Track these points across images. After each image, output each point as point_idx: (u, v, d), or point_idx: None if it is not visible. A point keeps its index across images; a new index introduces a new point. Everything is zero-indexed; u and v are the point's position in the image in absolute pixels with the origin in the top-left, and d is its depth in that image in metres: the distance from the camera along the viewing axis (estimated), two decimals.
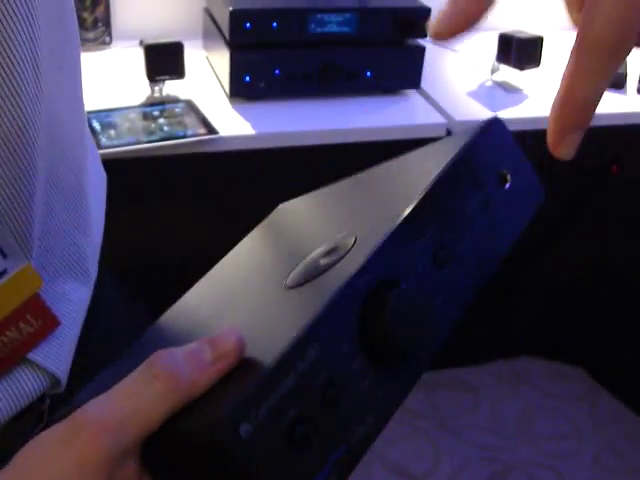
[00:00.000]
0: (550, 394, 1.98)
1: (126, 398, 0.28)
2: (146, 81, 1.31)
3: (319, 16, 1.30)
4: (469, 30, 0.36)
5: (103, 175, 0.63)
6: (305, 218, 0.49)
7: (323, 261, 0.34)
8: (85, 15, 1.48)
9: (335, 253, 0.33)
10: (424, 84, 1.42)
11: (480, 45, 1.60)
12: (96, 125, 1.21)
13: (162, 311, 0.44)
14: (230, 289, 0.42)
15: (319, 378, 0.27)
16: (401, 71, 1.38)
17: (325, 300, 0.28)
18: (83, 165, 0.54)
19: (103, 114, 1.24)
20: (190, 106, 1.30)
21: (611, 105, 1.46)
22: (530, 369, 2.04)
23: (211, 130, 1.22)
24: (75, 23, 0.51)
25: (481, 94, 1.47)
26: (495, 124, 0.37)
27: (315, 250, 0.36)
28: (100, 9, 1.49)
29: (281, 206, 0.53)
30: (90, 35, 1.50)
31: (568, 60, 0.34)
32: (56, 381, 0.48)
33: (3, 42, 0.39)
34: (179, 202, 1.53)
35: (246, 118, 1.28)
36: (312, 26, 1.30)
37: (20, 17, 0.40)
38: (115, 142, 1.17)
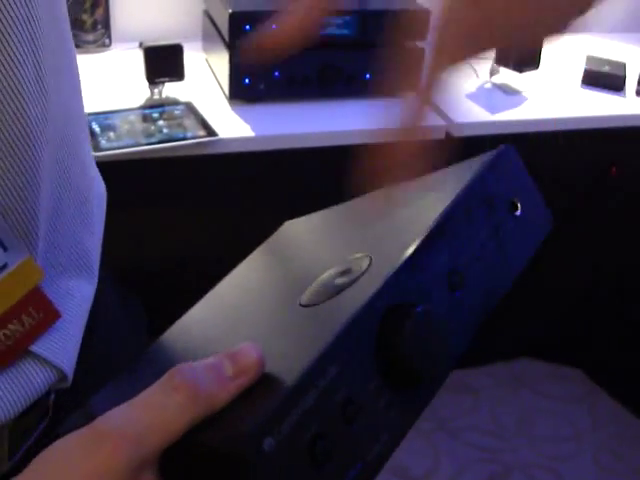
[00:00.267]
0: (549, 396, 1.99)
1: (147, 409, 0.28)
2: (145, 83, 1.31)
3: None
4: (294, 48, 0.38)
5: (100, 177, 0.64)
6: (314, 236, 0.49)
7: (338, 281, 0.34)
8: (84, 17, 1.48)
9: (350, 274, 0.34)
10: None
11: None
12: (95, 127, 1.21)
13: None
14: (241, 304, 0.42)
15: (338, 396, 0.28)
16: (400, 74, 1.38)
17: (344, 321, 0.29)
18: (90, 164, 0.55)
19: (102, 116, 1.24)
20: (189, 108, 1.30)
21: (610, 107, 1.46)
22: (529, 371, 2.04)
23: (210, 132, 1.22)
24: (68, 24, 0.51)
25: (480, 96, 1.47)
26: (508, 152, 0.38)
27: (328, 269, 0.36)
28: (99, 11, 1.49)
29: (287, 223, 0.53)
30: (90, 37, 1.50)
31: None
32: (63, 376, 0.48)
33: (3, 40, 0.39)
34: (178, 204, 1.53)
35: (245, 120, 1.29)
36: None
37: (21, 17, 0.40)
38: (114, 144, 1.17)
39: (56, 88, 0.46)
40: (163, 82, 1.31)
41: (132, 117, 1.26)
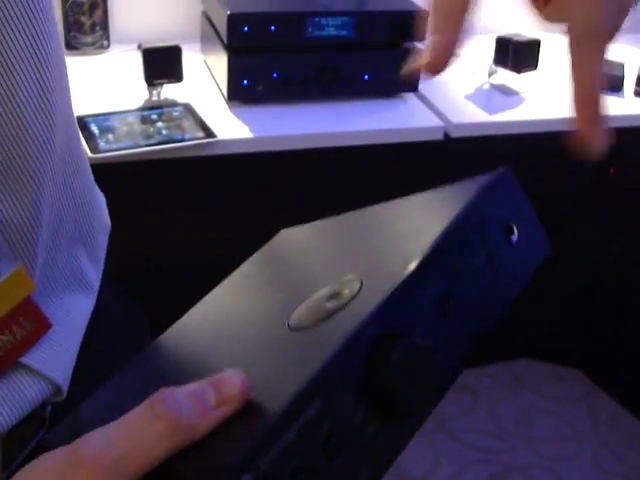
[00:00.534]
0: (549, 396, 1.99)
1: (126, 436, 0.28)
2: (144, 85, 1.31)
3: (317, 20, 1.30)
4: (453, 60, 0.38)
5: (98, 189, 0.64)
6: (308, 251, 0.48)
7: (328, 305, 0.33)
8: (83, 19, 1.48)
9: (340, 297, 0.33)
10: (422, 87, 1.43)
11: (477, 48, 1.61)
12: (94, 129, 1.21)
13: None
14: (231, 318, 0.42)
15: (321, 429, 0.27)
16: (398, 74, 1.39)
17: (331, 351, 0.28)
18: (89, 176, 0.55)
19: (101, 118, 1.24)
20: (188, 110, 1.30)
21: (609, 108, 1.46)
22: (529, 371, 2.05)
23: (209, 134, 1.22)
24: (57, 27, 0.51)
25: (479, 97, 1.47)
26: (505, 176, 0.37)
27: (319, 290, 0.36)
28: (98, 13, 1.49)
29: (283, 232, 0.53)
30: (88, 39, 1.50)
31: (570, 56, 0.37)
32: (57, 389, 0.48)
33: (2, 51, 0.39)
34: (177, 205, 1.53)
35: (244, 121, 1.29)
36: (310, 30, 1.30)
37: (22, 30, 0.40)
38: (113, 146, 1.17)
39: (61, 104, 0.46)
40: (162, 84, 1.31)
41: (131, 119, 1.26)
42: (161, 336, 0.43)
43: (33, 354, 0.46)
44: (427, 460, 1.78)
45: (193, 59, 1.48)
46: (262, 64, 1.30)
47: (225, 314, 0.42)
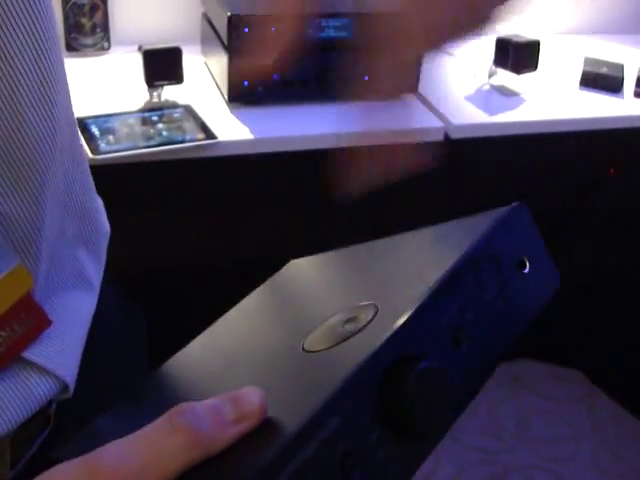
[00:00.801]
0: (548, 397, 1.99)
1: (144, 448, 0.28)
2: (145, 86, 1.31)
3: (317, 21, 1.30)
4: None
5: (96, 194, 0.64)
6: (321, 278, 0.49)
7: (343, 329, 0.34)
8: (84, 21, 1.49)
9: (356, 322, 0.34)
10: (422, 88, 1.43)
11: (477, 49, 1.61)
12: (95, 130, 1.21)
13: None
14: (245, 341, 0.42)
15: (337, 448, 0.28)
16: (399, 75, 1.39)
17: (348, 372, 0.29)
18: (88, 177, 0.55)
19: (102, 119, 1.25)
20: (189, 111, 1.30)
21: (608, 109, 1.47)
22: (528, 372, 2.05)
23: (210, 135, 1.22)
24: (56, 24, 0.51)
25: (478, 98, 1.47)
26: (520, 210, 0.38)
27: (333, 315, 0.36)
28: (98, 15, 1.50)
29: (292, 262, 0.53)
30: (89, 41, 1.50)
31: None
32: (65, 386, 0.48)
33: (3, 47, 0.40)
34: (177, 206, 1.54)
35: (244, 123, 1.29)
36: (310, 31, 1.30)
37: (24, 28, 0.40)
38: (114, 147, 1.17)
39: (61, 101, 0.46)
40: (162, 85, 1.31)
41: (131, 120, 1.26)
42: (173, 357, 0.43)
43: (40, 352, 0.47)
44: (427, 461, 1.78)
45: (193, 61, 1.48)
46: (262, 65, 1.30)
47: (237, 338, 0.43)
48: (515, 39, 1.45)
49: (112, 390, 0.55)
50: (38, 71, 0.42)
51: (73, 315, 0.51)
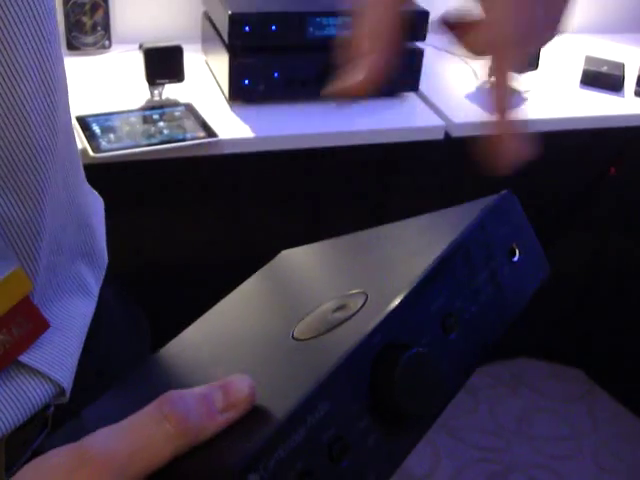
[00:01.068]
0: (549, 395, 1.99)
1: (134, 435, 0.28)
2: (146, 85, 1.31)
3: (318, 19, 1.30)
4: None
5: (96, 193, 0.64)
6: (311, 268, 0.49)
7: (333, 317, 0.34)
8: (84, 19, 1.49)
9: (345, 310, 0.34)
10: (422, 87, 1.43)
11: None
12: (96, 129, 1.21)
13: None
14: (232, 331, 0.42)
15: (326, 434, 0.28)
16: (400, 74, 1.39)
17: (337, 358, 0.29)
18: (88, 186, 0.56)
19: (103, 118, 1.25)
20: (190, 109, 1.30)
21: (609, 108, 1.47)
22: (529, 371, 2.05)
23: (210, 133, 1.22)
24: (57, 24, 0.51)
25: (479, 97, 1.47)
26: (508, 198, 0.38)
27: (323, 303, 0.37)
28: (99, 13, 1.50)
29: (284, 253, 0.54)
30: (89, 39, 1.50)
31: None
32: (61, 390, 0.48)
33: (4, 47, 0.40)
34: (178, 205, 1.54)
35: (245, 121, 1.29)
36: (311, 29, 1.31)
37: (27, 24, 0.40)
38: (115, 145, 1.17)
39: (63, 104, 0.46)
40: (163, 83, 1.31)
41: (132, 118, 1.26)
42: (163, 348, 0.44)
43: (37, 356, 0.47)
44: (427, 459, 1.78)
45: (194, 59, 1.48)
46: (263, 64, 1.31)
47: (228, 328, 0.43)
48: None
49: None
50: (40, 71, 0.42)
51: (71, 319, 0.51)
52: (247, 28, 1.27)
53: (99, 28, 1.50)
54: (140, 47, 1.30)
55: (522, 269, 0.37)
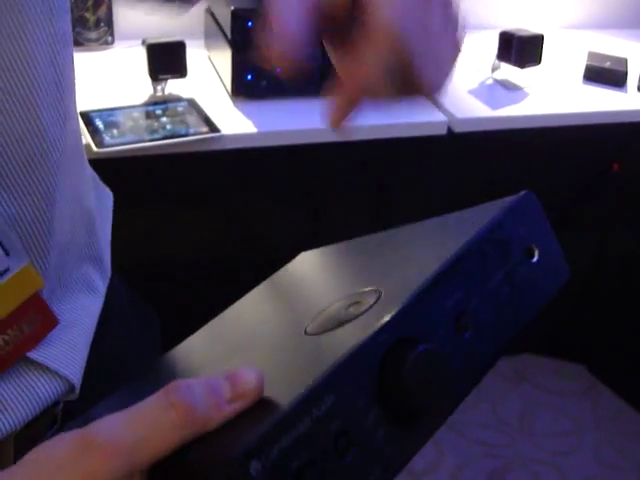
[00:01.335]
0: (551, 391, 1.99)
1: (140, 423, 0.28)
2: (149, 80, 1.31)
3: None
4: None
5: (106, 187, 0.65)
6: (327, 268, 0.49)
7: (346, 312, 0.34)
8: (87, 15, 1.49)
9: (359, 306, 0.34)
10: None
11: (481, 43, 1.61)
12: (99, 124, 1.21)
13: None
14: (247, 329, 0.42)
15: (332, 426, 0.28)
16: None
17: (345, 351, 0.29)
18: (91, 185, 0.56)
19: (106, 113, 1.25)
20: (192, 105, 1.30)
21: (612, 103, 1.46)
22: (531, 366, 2.05)
23: (213, 128, 1.23)
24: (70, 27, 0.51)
25: (482, 92, 1.47)
26: (528, 198, 0.37)
27: (337, 300, 0.36)
28: (102, 9, 1.50)
29: (303, 254, 0.54)
30: (92, 35, 1.50)
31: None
32: (71, 387, 0.49)
33: (25, 55, 0.40)
34: (181, 200, 1.54)
35: (248, 116, 1.29)
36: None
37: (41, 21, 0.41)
38: (118, 140, 1.17)
39: (72, 102, 0.46)
40: (166, 79, 1.32)
41: (135, 114, 1.26)
42: (176, 347, 0.43)
43: (46, 352, 0.47)
44: (430, 454, 1.78)
45: (197, 55, 1.48)
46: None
47: (243, 326, 0.43)
48: (519, 33, 1.45)
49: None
50: (52, 69, 0.43)
51: (79, 317, 0.51)
52: (250, 23, 1.27)
53: (102, 24, 1.51)
54: (143, 43, 1.30)
55: (540, 271, 0.36)
